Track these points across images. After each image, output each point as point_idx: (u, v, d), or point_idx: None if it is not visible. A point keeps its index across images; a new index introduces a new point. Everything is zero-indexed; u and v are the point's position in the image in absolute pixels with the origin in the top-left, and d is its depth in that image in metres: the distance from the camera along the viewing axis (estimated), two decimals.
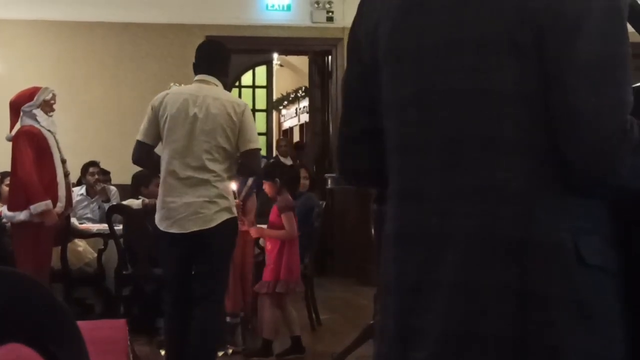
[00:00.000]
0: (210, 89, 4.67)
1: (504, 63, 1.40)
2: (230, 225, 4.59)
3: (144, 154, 4.65)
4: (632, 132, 1.37)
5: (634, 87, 1.46)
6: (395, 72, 1.57)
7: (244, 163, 4.67)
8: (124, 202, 7.27)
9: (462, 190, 1.44)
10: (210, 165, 4.54)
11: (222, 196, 4.56)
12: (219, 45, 4.96)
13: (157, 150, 4.74)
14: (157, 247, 4.85)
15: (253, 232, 5.86)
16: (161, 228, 4.58)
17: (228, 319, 5.81)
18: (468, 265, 1.42)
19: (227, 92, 4.86)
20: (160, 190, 4.65)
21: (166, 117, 4.62)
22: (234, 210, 4.63)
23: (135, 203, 7.08)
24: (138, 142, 4.63)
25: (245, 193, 6.02)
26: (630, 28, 1.49)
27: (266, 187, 5.85)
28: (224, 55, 4.83)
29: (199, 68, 4.75)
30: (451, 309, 1.43)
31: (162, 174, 4.65)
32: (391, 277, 1.56)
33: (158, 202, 4.65)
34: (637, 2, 1.58)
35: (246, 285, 6.14)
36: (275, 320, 5.79)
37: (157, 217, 4.63)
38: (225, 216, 4.55)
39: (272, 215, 5.84)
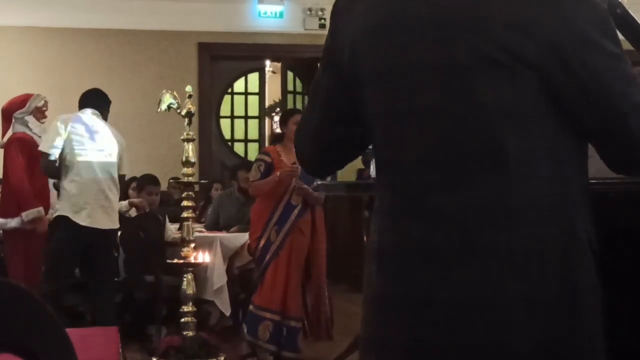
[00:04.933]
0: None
1: (500, 80, 1.42)
2: None
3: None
4: None
5: None
6: (385, 89, 1.56)
7: None
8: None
9: (473, 206, 1.45)
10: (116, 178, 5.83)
11: None
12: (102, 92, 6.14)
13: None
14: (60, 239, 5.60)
15: None
16: (84, 223, 5.51)
17: (292, 323, 5.76)
18: (488, 279, 1.44)
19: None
20: (83, 193, 5.55)
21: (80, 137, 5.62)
22: None
23: (122, 205, 7.09)
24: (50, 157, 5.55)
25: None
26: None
27: None
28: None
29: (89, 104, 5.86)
30: (471, 323, 1.45)
31: (82, 182, 5.59)
32: (390, 290, 1.55)
33: (79, 203, 5.53)
34: (628, 11, 1.59)
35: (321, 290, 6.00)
36: None
37: (78, 215, 5.51)
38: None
39: None
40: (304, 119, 1.81)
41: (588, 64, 1.41)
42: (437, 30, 1.46)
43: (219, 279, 6.66)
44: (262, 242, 5.74)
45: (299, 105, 10.81)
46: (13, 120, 6.04)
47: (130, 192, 8.25)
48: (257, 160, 5.93)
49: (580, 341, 1.46)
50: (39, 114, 6.11)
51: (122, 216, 7.06)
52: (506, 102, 1.43)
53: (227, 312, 6.81)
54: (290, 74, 10.93)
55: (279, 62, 10.93)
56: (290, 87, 10.98)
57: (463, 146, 1.46)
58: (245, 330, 5.77)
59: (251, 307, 5.79)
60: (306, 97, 10.92)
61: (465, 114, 1.45)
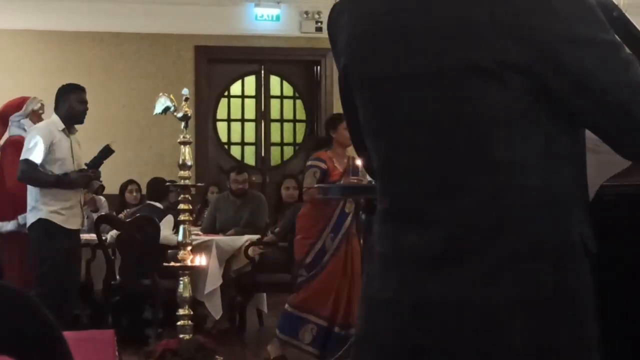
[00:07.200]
0: None
1: (489, 87, 1.41)
2: None
3: None
4: None
5: None
6: (373, 97, 1.55)
7: None
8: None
9: (466, 212, 1.44)
10: None
11: None
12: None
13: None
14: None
15: None
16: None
17: (337, 329, 5.69)
18: (481, 284, 1.43)
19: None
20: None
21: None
22: None
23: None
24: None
25: None
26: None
27: None
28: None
29: None
30: (463, 328, 1.44)
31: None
32: (383, 294, 1.54)
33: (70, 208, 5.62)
34: (624, 14, 1.59)
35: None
36: None
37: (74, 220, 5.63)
38: None
39: None
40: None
41: (580, 61, 1.38)
42: (424, 39, 1.45)
43: (212, 282, 6.66)
44: (317, 248, 5.77)
45: (287, 110, 10.85)
46: (9, 123, 6.04)
47: (127, 195, 8.25)
48: (311, 166, 5.87)
49: (576, 346, 1.45)
50: (36, 117, 6.10)
51: (120, 219, 7.06)
52: (497, 109, 1.41)
53: (217, 316, 6.80)
54: (276, 79, 10.92)
55: (276, 65, 10.93)
56: (276, 92, 10.97)
57: (455, 154, 1.45)
58: (279, 328, 5.79)
59: (291, 308, 5.79)
60: (297, 102, 10.95)
61: (456, 122, 1.44)
